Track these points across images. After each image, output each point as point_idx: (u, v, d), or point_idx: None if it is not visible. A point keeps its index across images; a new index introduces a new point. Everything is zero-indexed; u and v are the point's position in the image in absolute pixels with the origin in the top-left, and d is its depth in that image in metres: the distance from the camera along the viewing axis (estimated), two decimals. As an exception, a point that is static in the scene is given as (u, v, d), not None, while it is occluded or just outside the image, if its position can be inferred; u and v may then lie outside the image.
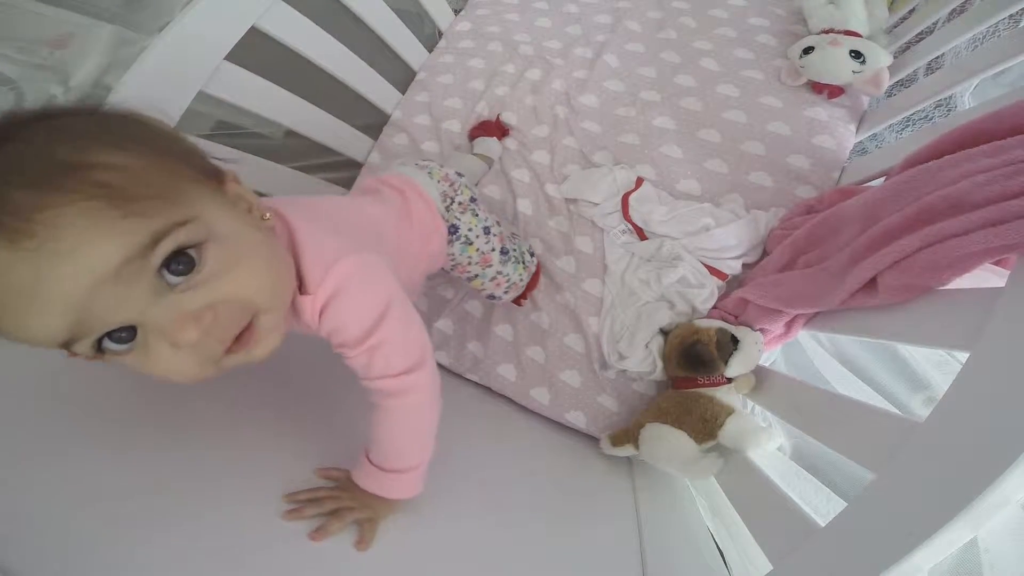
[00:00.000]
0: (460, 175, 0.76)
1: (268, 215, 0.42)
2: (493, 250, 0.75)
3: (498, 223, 0.78)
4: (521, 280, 0.82)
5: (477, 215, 0.75)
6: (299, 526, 0.45)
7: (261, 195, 0.45)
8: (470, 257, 0.74)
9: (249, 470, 0.49)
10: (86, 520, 0.37)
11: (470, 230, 0.73)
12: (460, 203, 0.73)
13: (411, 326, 0.48)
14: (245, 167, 0.78)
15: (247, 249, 0.37)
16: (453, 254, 0.73)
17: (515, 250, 0.80)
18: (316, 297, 0.43)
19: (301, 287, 0.43)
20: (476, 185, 0.98)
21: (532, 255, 0.86)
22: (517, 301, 0.88)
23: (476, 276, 0.77)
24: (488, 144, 1.00)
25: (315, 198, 0.59)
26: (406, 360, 0.46)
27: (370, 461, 0.49)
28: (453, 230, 0.72)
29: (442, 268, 0.76)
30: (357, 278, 0.45)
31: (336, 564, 0.44)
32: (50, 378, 0.46)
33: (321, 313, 0.44)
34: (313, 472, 0.51)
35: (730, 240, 0.79)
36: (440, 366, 0.89)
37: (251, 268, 0.37)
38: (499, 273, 0.77)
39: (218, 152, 0.73)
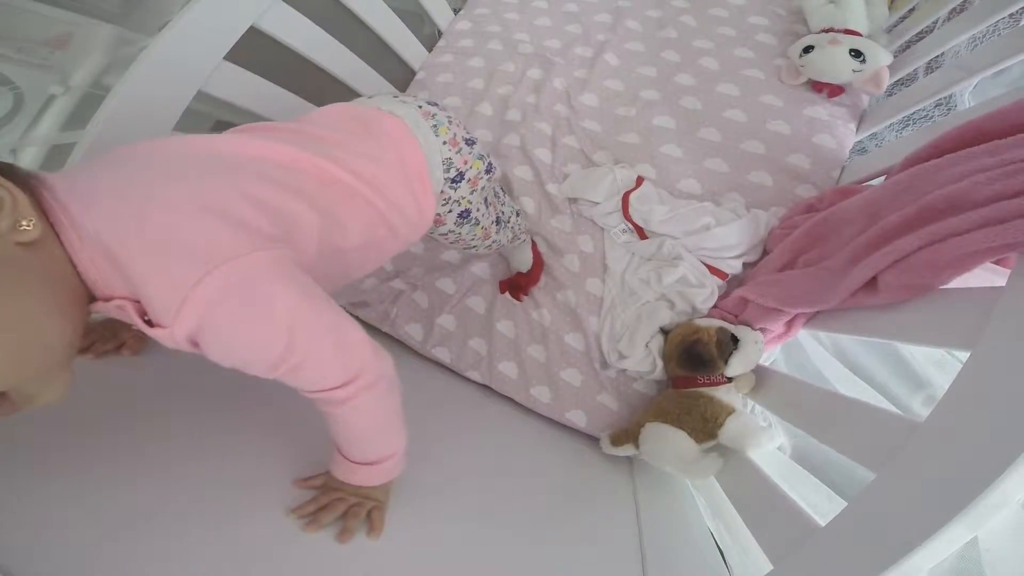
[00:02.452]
0: (472, 139, 0.61)
1: (28, 222, 0.30)
2: (492, 222, 0.69)
3: (493, 191, 0.71)
4: (507, 239, 0.77)
5: (484, 188, 0.64)
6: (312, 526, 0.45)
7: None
8: (475, 235, 0.67)
9: (255, 469, 0.49)
10: (87, 523, 0.37)
11: (478, 209, 0.64)
12: (470, 179, 0.60)
13: (335, 335, 0.39)
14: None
15: None
16: (460, 233, 0.65)
17: (503, 213, 0.74)
18: (173, 332, 0.33)
19: (140, 308, 0.34)
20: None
21: (517, 213, 0.80)
22: (516, 296, 0.88)
23: (473, 247, 0.71)
24: None
25: (173, 142, 0.41)
26: (342, 373, 0.40)
27: (346, 458, 0.46)
28: (465, 214, 0.62)
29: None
30: (233, 303, 0.34)
31: (336, 565, 0.44)
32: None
33: (196, 344, 0.35)
34: (293, 483, 0.48)
35: (730, 239, 0.78)
36: (441, 365, 0.90)
37: None
38: (494, 241, 0.73)
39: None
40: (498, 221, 0.71)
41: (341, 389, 0.40)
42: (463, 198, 0.61)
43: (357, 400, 0.41)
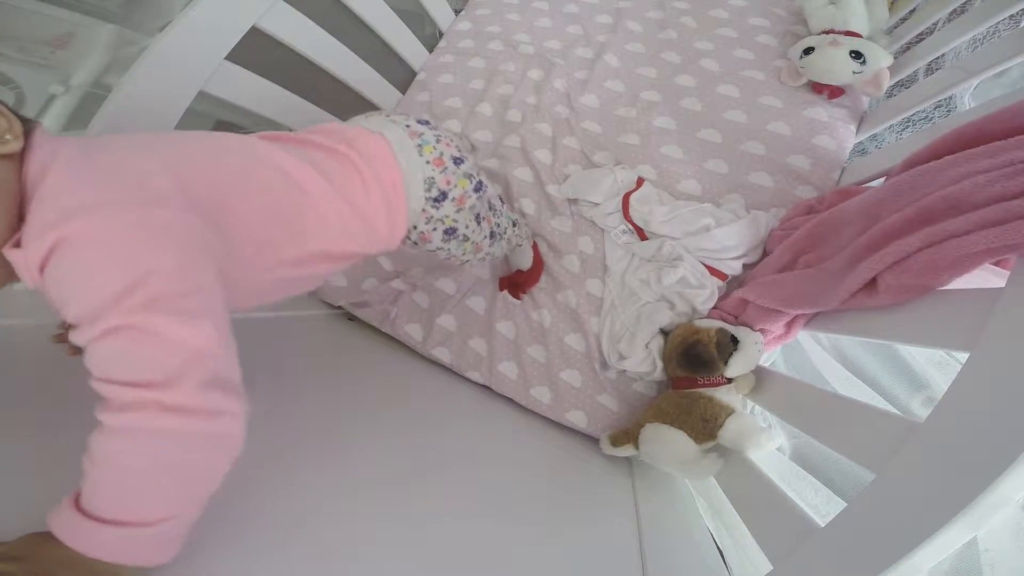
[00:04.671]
0: (461, 158, 0.61)
1: (11, 136, 0.34)
2: (484, 237, 0.69)
3: (487, 205, 0.70)
4: (502, 251, 0.78)
5: (473, 207, 0.64)
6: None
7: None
8: (465, 249, 0.67)
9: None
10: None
11: (467, 226, 0.64)
12: (455, 198, 0.61)
13: (187, 319, 0.33)
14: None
15: None
16: (449, 249, 0.65)
17: (498, 227, 0.73)
18: (27, 253, 0.32)
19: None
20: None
21: (515, 224, 0.79)
22: (514, 295, 0.88)
23: (466, 261, 0.71)
24: None
25: (172, 137, 0.47)
26: (159, 369, 0.31)
27: (78, 507, 0.31)
28: (451, 232, 0.63)
29: (408, 243, 0.63)
30: (99, 235, 0.32)
31: (333, 562, 0.44)
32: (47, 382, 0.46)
33: (42, 272, 0.33)
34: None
35: (730, 240, 0.79)
36: (441, 365, 0.90)
37: None
38: (488, 254, 0.73)
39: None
40: (492, 235, 0.71)
41: (144, 390, 0.31)
42: (447, 216, 0.61)
43: (155, 420, 0.31)
